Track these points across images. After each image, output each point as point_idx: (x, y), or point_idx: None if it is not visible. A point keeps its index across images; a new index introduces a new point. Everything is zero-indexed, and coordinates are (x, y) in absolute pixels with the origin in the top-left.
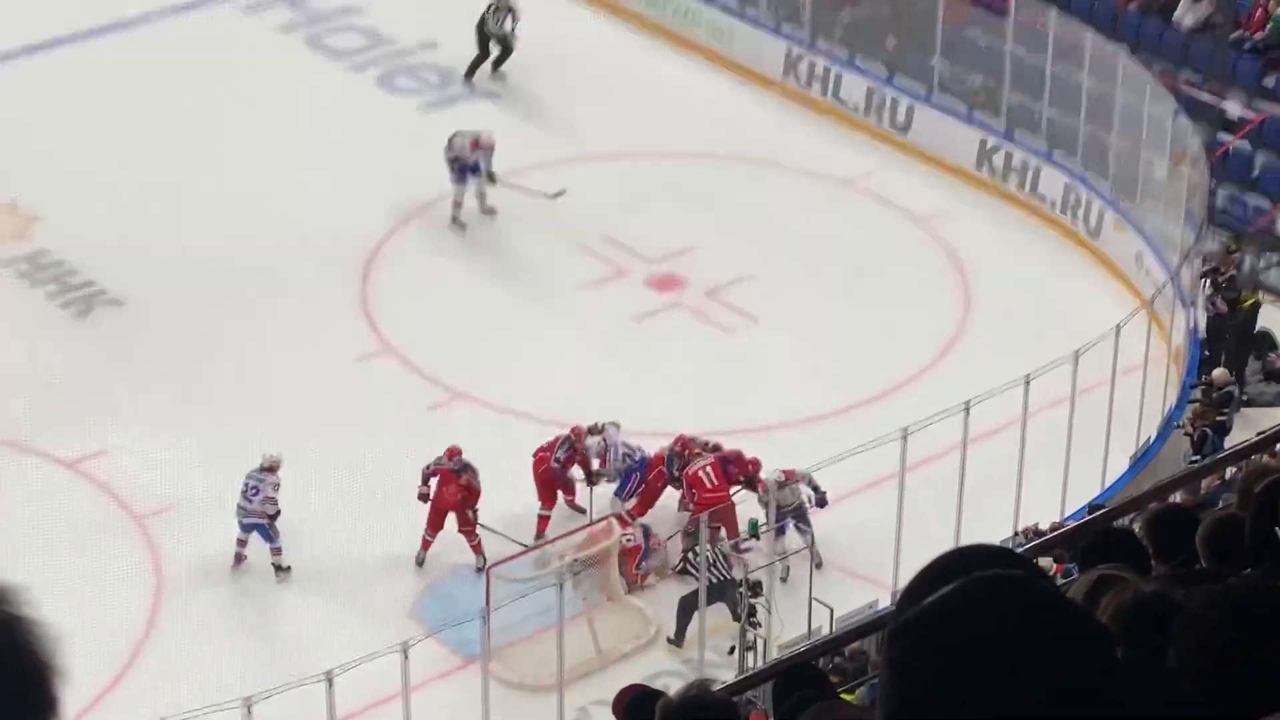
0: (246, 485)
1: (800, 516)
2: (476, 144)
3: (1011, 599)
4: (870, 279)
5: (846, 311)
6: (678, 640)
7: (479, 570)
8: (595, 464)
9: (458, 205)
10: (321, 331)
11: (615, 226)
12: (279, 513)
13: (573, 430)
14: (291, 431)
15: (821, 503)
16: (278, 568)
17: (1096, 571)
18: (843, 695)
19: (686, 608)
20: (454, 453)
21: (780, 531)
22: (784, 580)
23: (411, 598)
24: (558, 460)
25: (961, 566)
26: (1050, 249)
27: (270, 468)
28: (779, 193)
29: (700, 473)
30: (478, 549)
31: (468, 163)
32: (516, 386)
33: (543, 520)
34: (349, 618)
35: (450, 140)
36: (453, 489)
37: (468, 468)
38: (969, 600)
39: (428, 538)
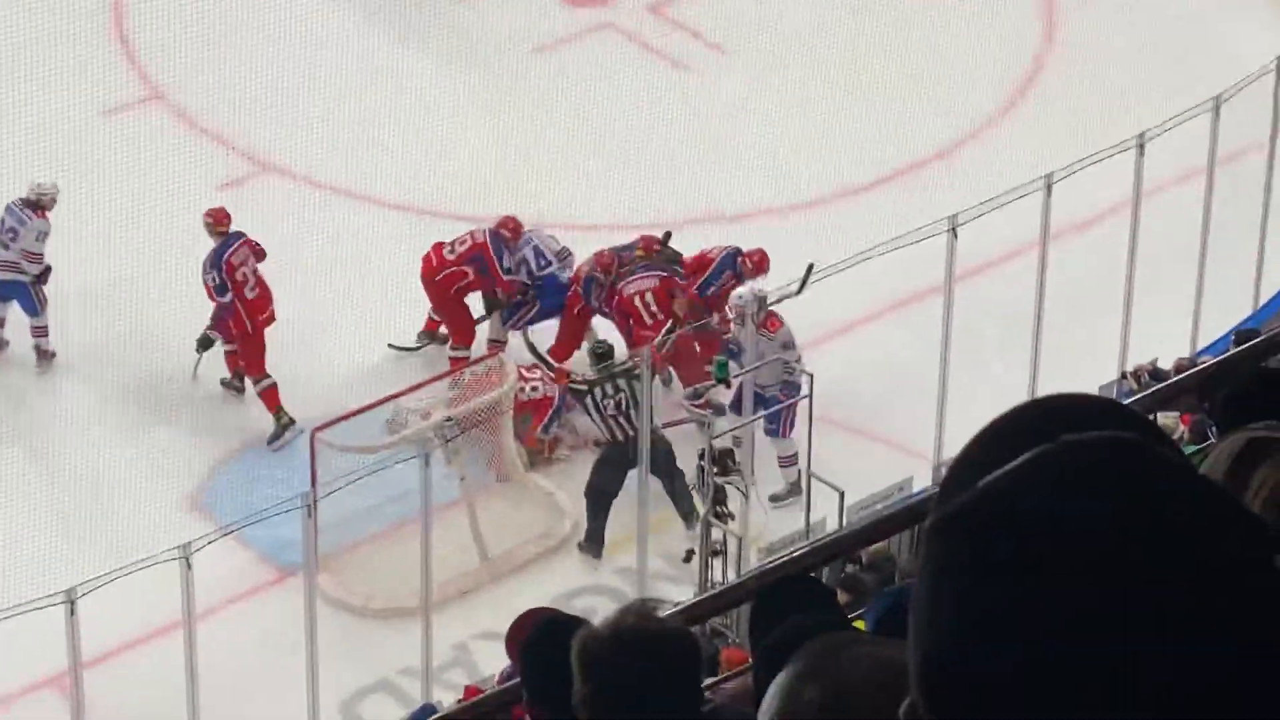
0: (1, 224)
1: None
2: None
3: (1118, 475)
4: None
5: (860, 34)
6: (590, 548)
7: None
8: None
9: None
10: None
11: None
12: (48, 270)
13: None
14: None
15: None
16: (40, 352)
17: (1245, 433)
18: (856, 623)
19: (599, 495)
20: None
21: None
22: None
23: (196, 479)
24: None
25: (1041, 426)
26: None
27: (37, 203)
28: None
29: (637, 298)
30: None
31: None
32: (354, 154)
33: (434, 324)
34: (90, 507)
35: None
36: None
37: None
38: (1052, 477)
39: None
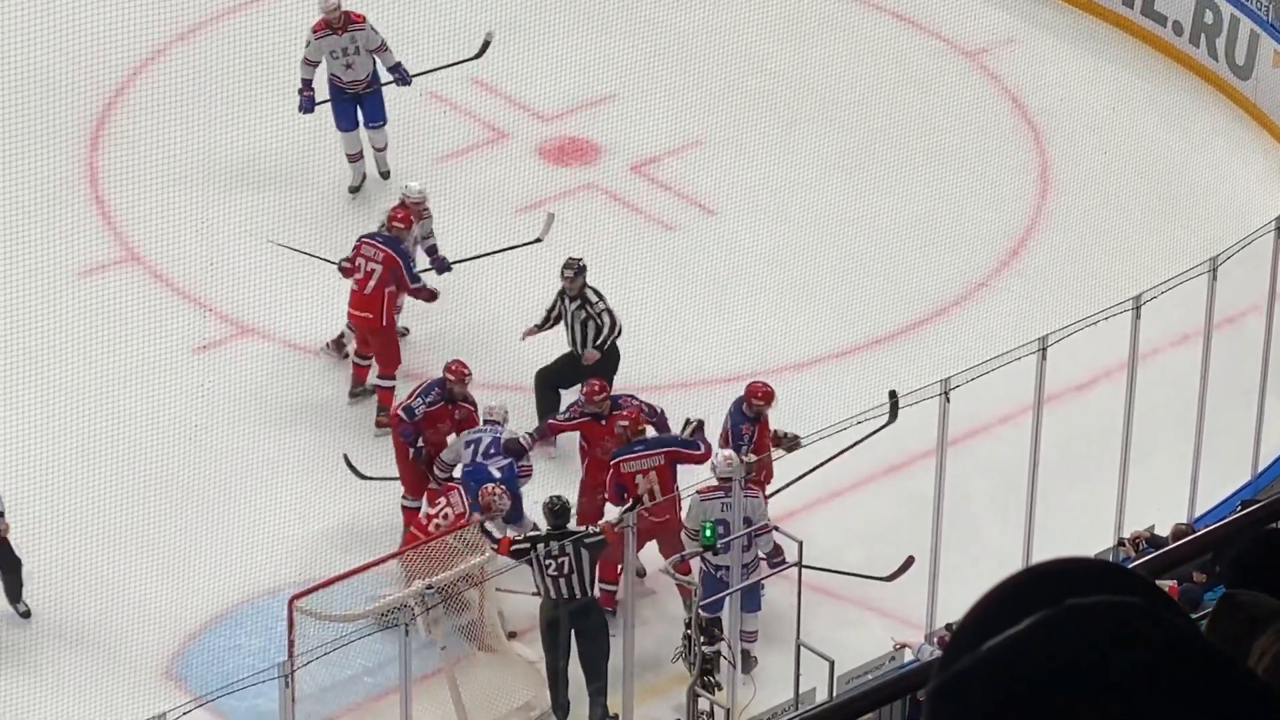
0: None
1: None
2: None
3: (1122, 640)
4: (890, 143)
5: (852, 194)
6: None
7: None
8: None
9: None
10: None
11: (488, 66)
12: None
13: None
14: None
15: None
16: None
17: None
18: None
19: (550, 663)
20: None
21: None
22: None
23: (170, 647)
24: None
25: (1044, 590)
26: (1173, 96)
27: None
28: (741, 8)
29: (640, 475)
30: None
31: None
32: (330, 317)
33: (409, 515)
34: (75, 675)
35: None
36: None
37: None
38: (1056, 642)
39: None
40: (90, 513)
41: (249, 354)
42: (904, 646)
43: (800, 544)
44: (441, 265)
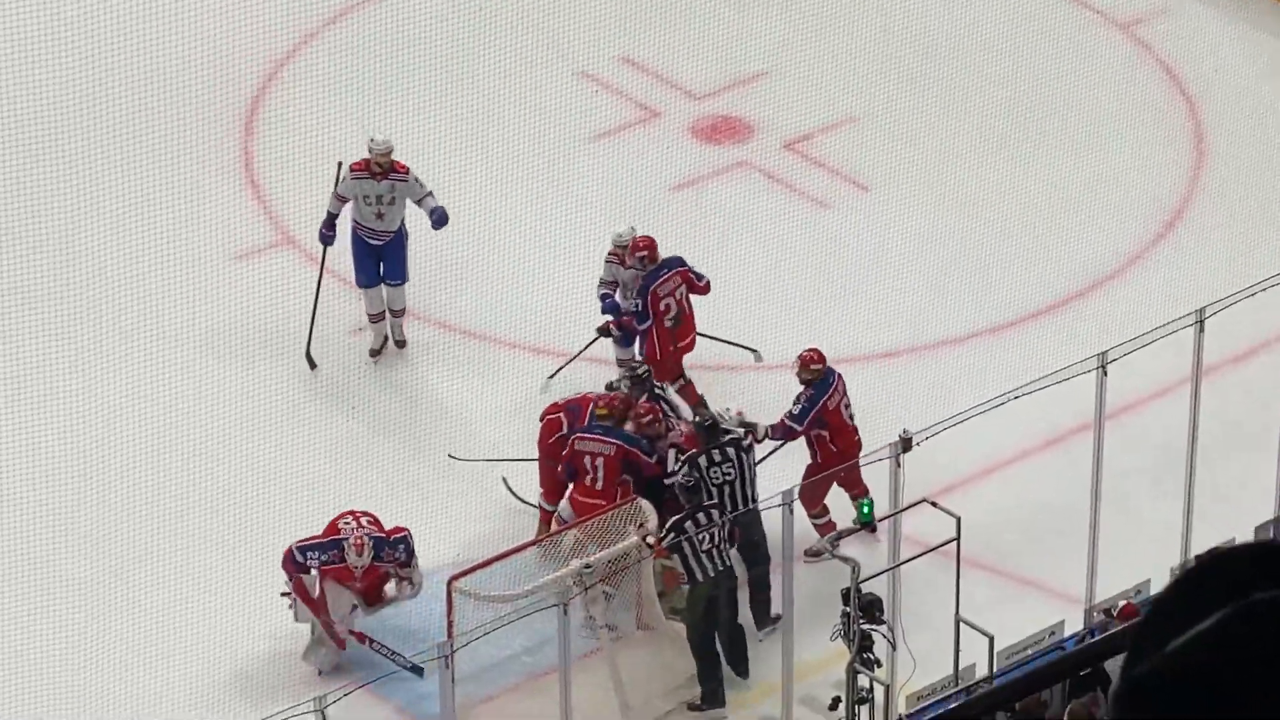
0: None
1: None
2: None
3: None
4: (1044, 116)
5: (1006, 169)
6: (711, 700)
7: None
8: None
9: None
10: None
11: (637, 41)
12: None
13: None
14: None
15: None
16: None
17: None
18: None
19: (705, 642)
20: None
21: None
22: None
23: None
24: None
25: (1224, 582)
26: None
27: None
28: None
29: (587, 456)
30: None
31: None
32: (489, 297)
33: (545, 516)
34: (233, 659)
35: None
36: None
37: None
38: (1242, 639)
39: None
40: (263, 483)
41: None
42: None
43: (958, 520)
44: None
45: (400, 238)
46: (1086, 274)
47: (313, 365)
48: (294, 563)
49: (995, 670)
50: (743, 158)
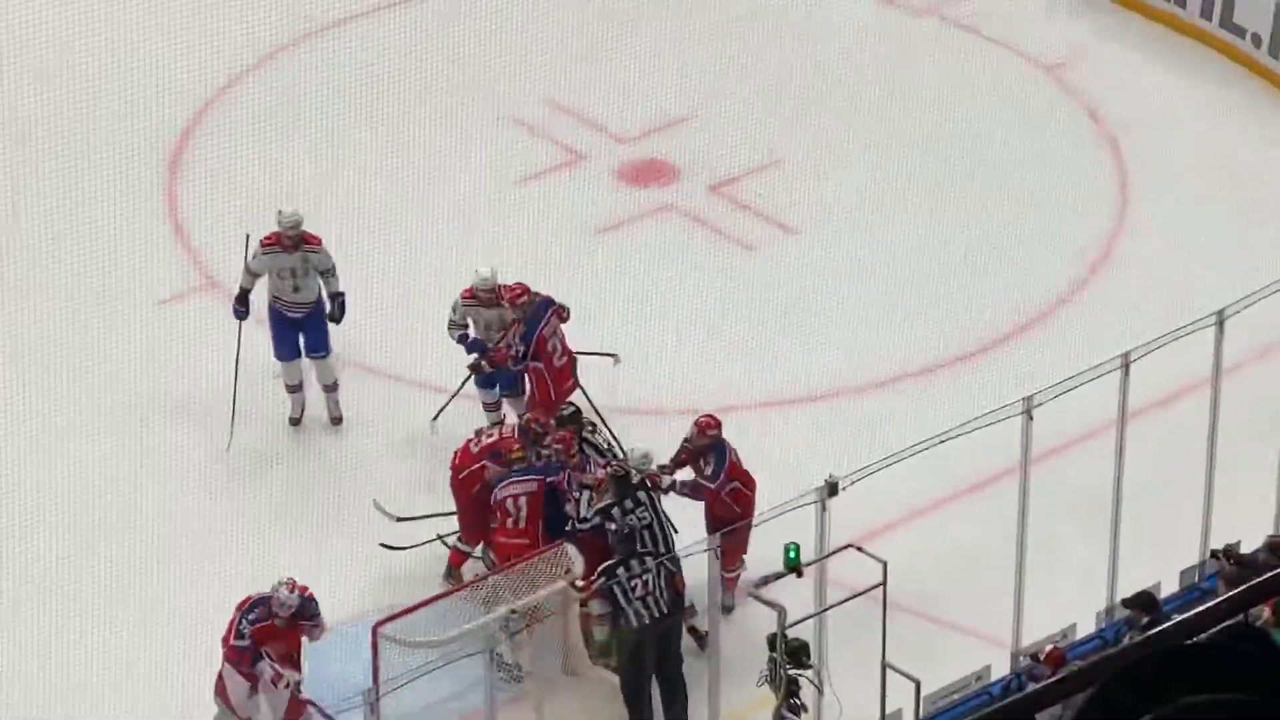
0: None
1: None
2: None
3: None
4: (967, 157)
5: (930, 211)
6: None
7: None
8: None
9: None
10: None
11: (565, 83)
12: None
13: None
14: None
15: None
16: None
17: None
18: None
19: (637, 688)
20: None
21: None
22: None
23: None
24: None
25: (1143, 691)
26: (1253, 105)
27: None
28: (820, 25)
29: (510, 501)
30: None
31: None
32: (416, 342)
33: (458, 557)
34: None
35: None
36: None
37: None
38: None
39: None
40: (179, 534)
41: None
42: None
43: (885, 564)
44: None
45: (319, 308)
46: (1012, 317)
47: (229, 436)
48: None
49: (921, 715)
50: (668, 201)
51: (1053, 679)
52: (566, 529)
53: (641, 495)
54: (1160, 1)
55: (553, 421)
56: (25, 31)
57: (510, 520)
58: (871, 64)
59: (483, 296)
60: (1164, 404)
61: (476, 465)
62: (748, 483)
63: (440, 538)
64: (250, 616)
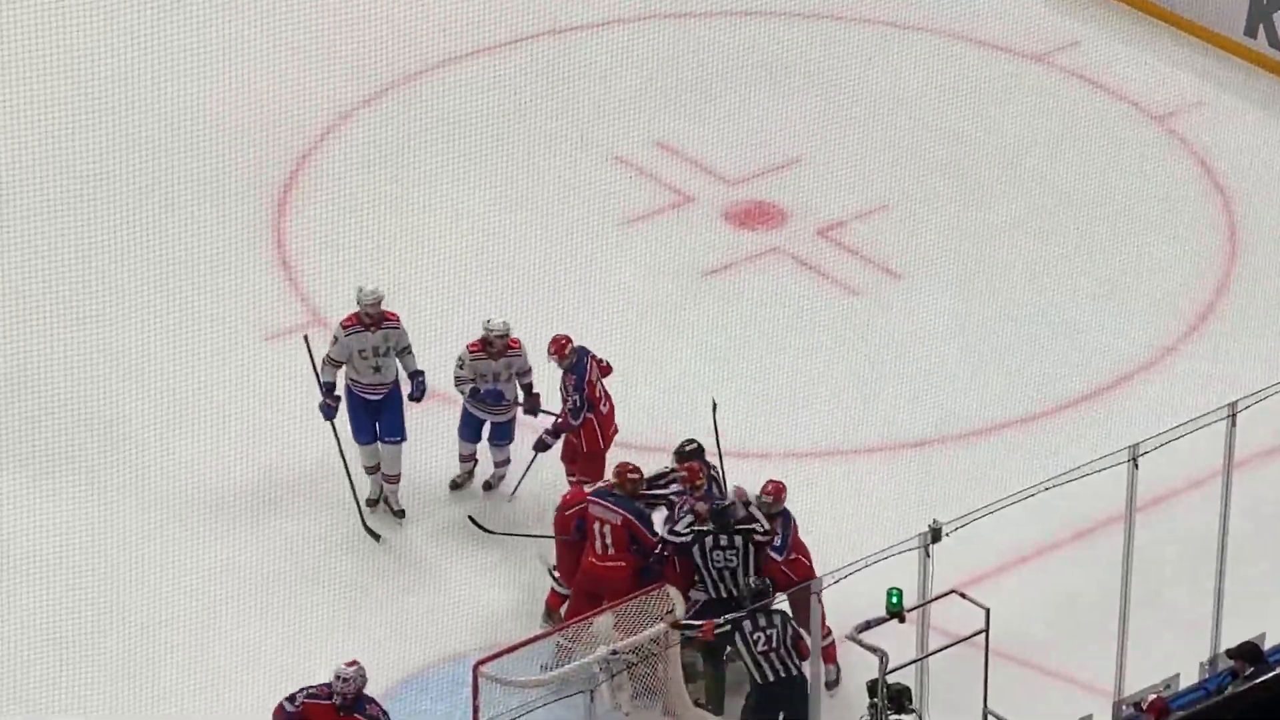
0: None
1: None
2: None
3: None
4: (1076, 206)
5: (1038, 258)
6: None
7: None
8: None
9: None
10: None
11: (671, 127)
12: None
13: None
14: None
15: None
16: None
17: None
18: None
19: None
20: None
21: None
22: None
23: None
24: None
25: None
26: None
27: None
28: (930, 72)
29: (597, 525)
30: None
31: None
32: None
33: (556, 599)
34: None
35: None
36: None
37: None
38: None
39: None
40: (277, 569)
41: (438, 417)
42: None
43: (987, 611)
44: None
45: (397, 390)
46: (1119, 365)
47: (375, 536)
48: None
49: None
50: (775, 244)
51: None
52: (655, 544)
53: (736, 539)
54: (1275, 53)
55: (673, 456)
56: (140, 64)
57: (599, 543)
58: (980, 110)
59: (496, 347)
60: (1270, 454)
61: (580, 505)
62: (805, 554)
63: (550, 570)
64: (310, 689)
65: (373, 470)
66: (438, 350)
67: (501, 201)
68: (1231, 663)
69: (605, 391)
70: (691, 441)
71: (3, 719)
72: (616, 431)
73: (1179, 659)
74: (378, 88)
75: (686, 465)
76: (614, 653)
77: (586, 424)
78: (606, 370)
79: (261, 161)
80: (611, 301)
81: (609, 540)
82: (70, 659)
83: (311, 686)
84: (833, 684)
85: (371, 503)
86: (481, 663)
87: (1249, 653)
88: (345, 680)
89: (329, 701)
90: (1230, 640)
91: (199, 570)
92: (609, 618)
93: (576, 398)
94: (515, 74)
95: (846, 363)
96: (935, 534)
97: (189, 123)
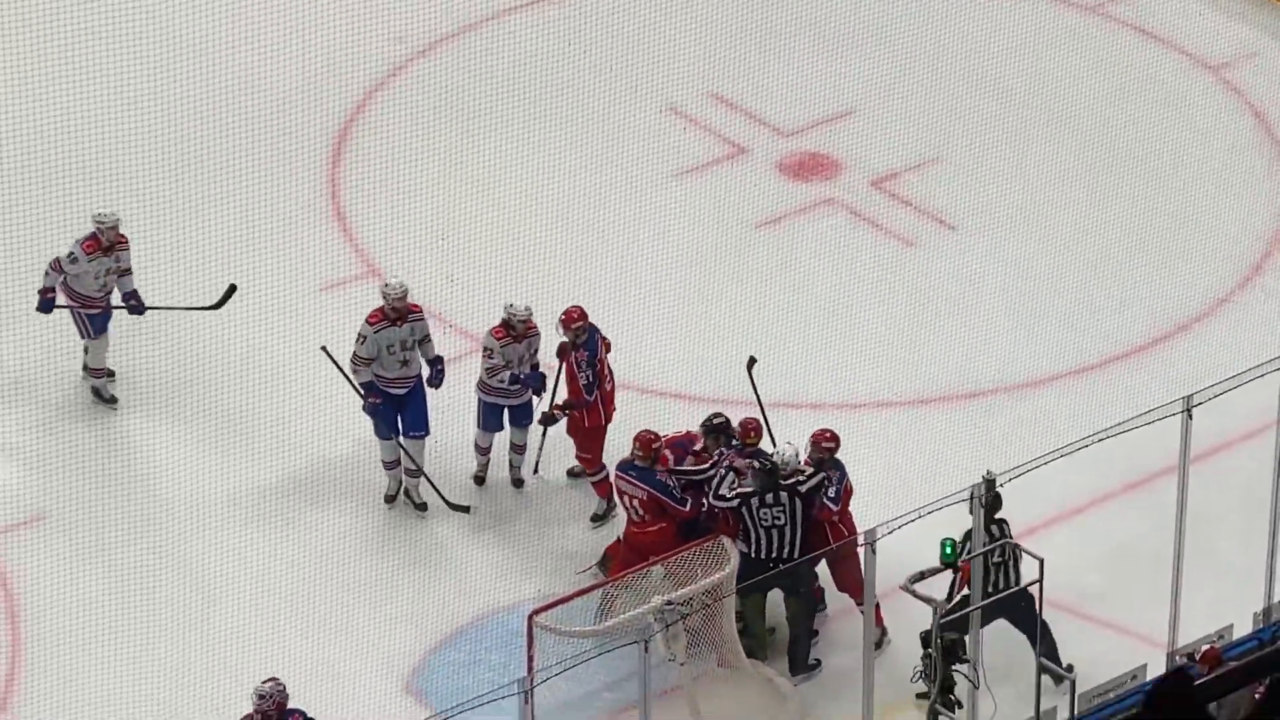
0: None
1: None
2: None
3: None
4: (1131, 157)
5: (1092, 209)
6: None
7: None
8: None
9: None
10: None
11: (727, 78)
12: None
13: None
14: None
15: None
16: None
17: None
18: None
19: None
20: None
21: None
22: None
23: (409, 662)
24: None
25: None
26: None
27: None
28: (983, 24)
29: (626, 499)
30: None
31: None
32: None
33: (616, 547)
34: (311, 686)
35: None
36: None
37: None
38: None
39: None
40: (338, 521)
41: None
42: None
43: (1041, 561)
44: (136, 308)
45: (421, 383)
46: (1173, 316)
47: (464, 509)
48: None
49: (1077, 713)
50: (830, 195)
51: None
52: (688, 513)
53: (783, 495)
54: None
55: (700, 429)
56: (194, 15)
57: (632, 514)
58: (1033, 61)
59: (519, 330)
60: None
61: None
62: (851, 524)
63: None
64: None
65: (392, 466)
66: (489, 301)
67: (556, 152)
68: None
69: (609, 369)
70: (719, 415)
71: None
72: (615, 410)
73: (1233, 610)
74: (433, 39)
75: (744, 421)
76: (668, 603)
77: (593, 401)
78: (608, 346)
79: (316, 113)
80: (664, 252)
81: (641, 511)
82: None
83: None
84: (878, 645)
85: (390, 499)
86: (536, 612)
87: None
88: (264, 697)
89: None
90: None
91: (259, 529)
92: (661, 569)
93: (590, 373)
94: (571, 24)
95: (900, 314)
96: (989, 484)
97: (247, 71)
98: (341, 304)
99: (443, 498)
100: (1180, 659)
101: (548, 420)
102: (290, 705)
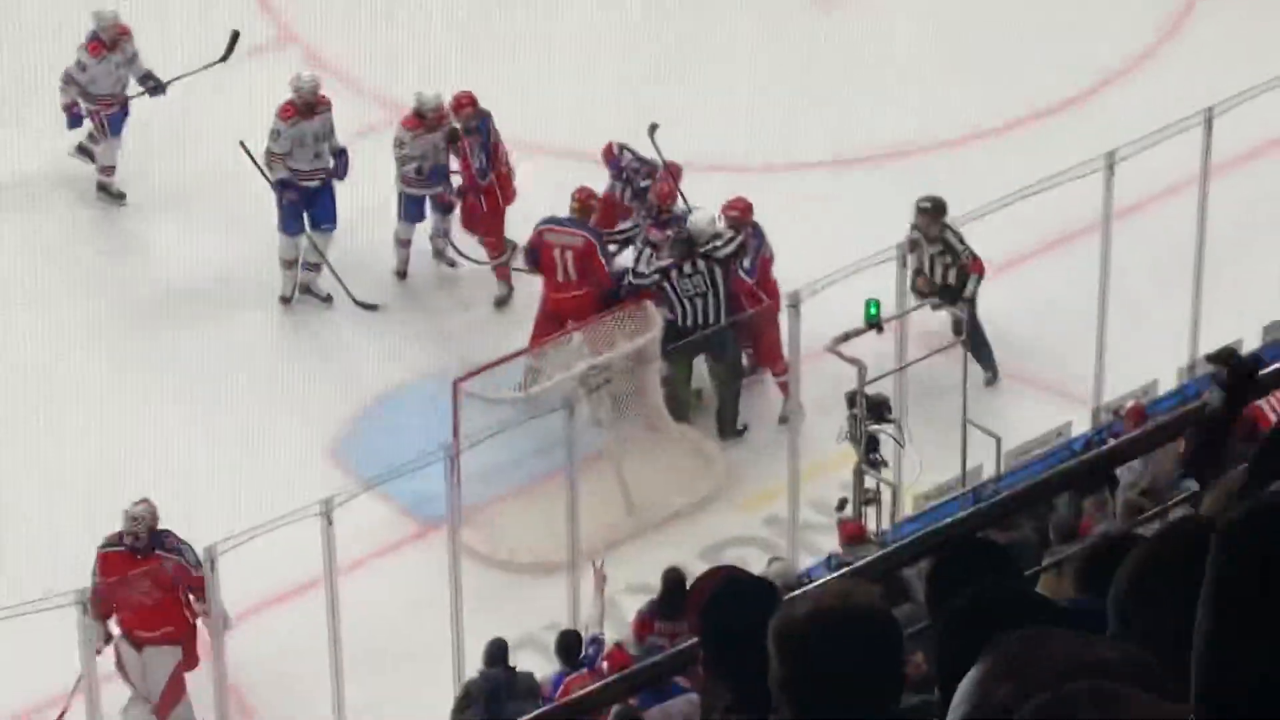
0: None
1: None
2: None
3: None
4: None
5: None
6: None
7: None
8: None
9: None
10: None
11: None
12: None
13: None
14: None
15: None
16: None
17: None
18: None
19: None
20: None
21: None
22: None
23: (331, 430)
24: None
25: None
26: None
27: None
28: None
29: (556, 251)
30: None
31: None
32: (505, 102)
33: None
34: (232, 460)
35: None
36: None
37: None
38: None
39: None
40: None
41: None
42: None
43: (963, 319)
44: (155, 88)
45: (330, 179)
46: (1095, 73)
47: (371, 307)
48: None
49: (1002, 471)
50: None
51: (1134, 434)
52: (622, 282)
53: (701, 263)
54: None
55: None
56: None
57: (560, 273)
58: None
59: (429, 120)
60: (1248, 159)
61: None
62: (775, 290)
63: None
64: (103, 542)
65: (290, 264)
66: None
67: None
68: (1211, 368)
69: (505, 154)
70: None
71: None
72: (515, 194)
73: (1157, 365)
74: None
75: (661, 188)
76: (593, 368)
77: (488, 185)
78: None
79: None
80: (579, 25)
81: (570, 267)
82: None
83: (106, 538)
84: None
85: (285, 300)
86: (462, 379)
87: (1226, 356)
88: (136, 520)
89: (121, 548)
90: (1208, 346)
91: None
92: (579, 336)
93: (483, 157)
94: None
95: (820, 75)
96: (914, 244)
97: None
98: (261, 71)
99: (350, 295)
100: (1106, 415)
101: (442, 208)
102: (161, 526)
